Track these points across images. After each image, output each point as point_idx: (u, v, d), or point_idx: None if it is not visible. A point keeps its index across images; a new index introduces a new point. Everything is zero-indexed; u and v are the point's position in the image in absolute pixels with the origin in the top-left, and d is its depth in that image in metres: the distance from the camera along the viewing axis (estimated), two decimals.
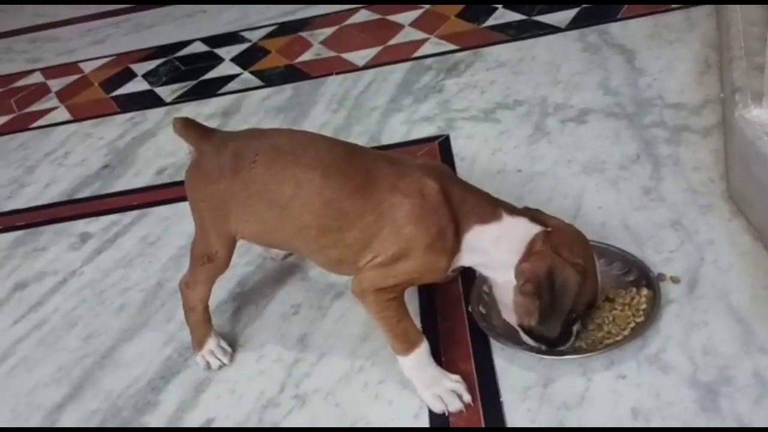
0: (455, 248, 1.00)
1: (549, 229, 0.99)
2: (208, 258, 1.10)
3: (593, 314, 1.07)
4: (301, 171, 1.02)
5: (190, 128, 1.11)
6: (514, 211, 1.01)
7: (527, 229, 0.99)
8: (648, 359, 1.02)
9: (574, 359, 1.03)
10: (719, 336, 1.02)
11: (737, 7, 1.47)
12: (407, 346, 1.01)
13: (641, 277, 1.11)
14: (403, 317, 1.02)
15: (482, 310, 1.11)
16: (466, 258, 1.02)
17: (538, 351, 1.03)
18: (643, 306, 1.07)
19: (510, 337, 1.06)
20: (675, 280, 1.12)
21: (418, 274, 1.01)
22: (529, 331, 1.02)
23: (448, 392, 1.01)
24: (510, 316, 1.04)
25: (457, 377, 1.03)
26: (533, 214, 1.02)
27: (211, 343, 1.15)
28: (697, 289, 1.10)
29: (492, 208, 1.01)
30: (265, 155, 1.04)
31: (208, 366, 1.14)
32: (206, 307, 1.15)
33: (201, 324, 1.15)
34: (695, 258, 1.15)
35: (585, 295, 0.98)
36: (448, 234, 0.98)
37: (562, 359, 1.03)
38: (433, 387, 1.02)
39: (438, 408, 1.01)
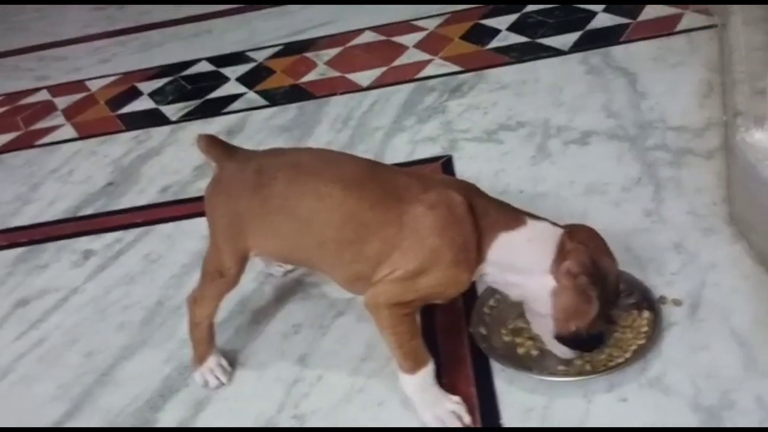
0: (478, 260, 0.99)
1: (568, 229, 1.00)
2: (220, 274, 1.10)
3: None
4: (323, 185, 1.02)
5: (214, 145, 1.12)
6: (534, 216, 1.02)
7: (553, 231, 1.00)
8: (649, 382, 1.01)
9: (576, 381, 1.02)
10: (721, 360, 1.02)
11: (740, 31, 1.48)
12: (415, 365, 1.01)
13: (643, 299, 1.10)
14: (415, 335, 1.01)
15: (483, 331, 1.11)
16: (490, 270, 1.01)
17: (539, 373, 1.03)
18: (645, 328, 1.07)
19: (511, 358, 1.06)
20: (677, 303, 1.12)
21: (442, 288, 1.00)
22: (568, 339, 1.01)
23: (448, 414, 1.01)
24: (546, 327, 1.02)
25: (457, 398, 1.02)
26: (546, 220, 1.03)
27: (212, 361, 1.15)
28: (699, 312, 1.10)
29: (515, 215, 1.01)
30: (286, 171, 1.05)
31: (207, 384, 1.14)
32: (211, 324, 1.15)
33: (204, 341, 1.15)
34: (697, 281, 1.15)
35: (619, 283, 1.01)
36: (472, 245, 0.98)
37: (564, 381, 1.03)
38: (434, 408, 1.01)
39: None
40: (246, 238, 1.07)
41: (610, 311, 1.01)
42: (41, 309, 1.40)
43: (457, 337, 1.14)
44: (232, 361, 1.18)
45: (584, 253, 0.96)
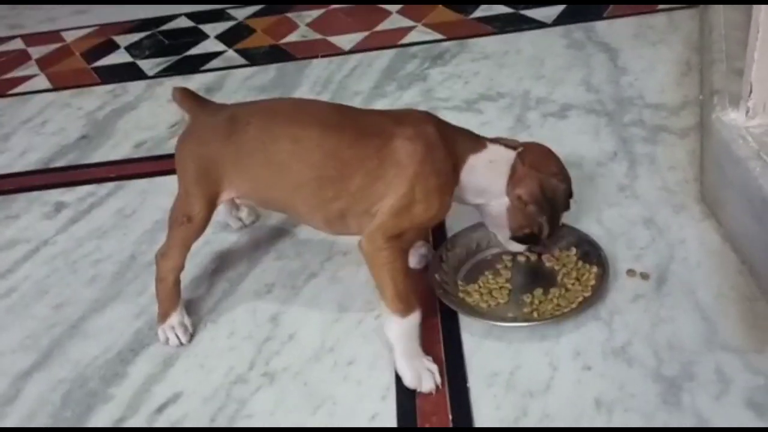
0: (455, 183, 1.07)
1: (521, 149, 1.10)
2: (188, 218, 1.11)
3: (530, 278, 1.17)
4: (299, 128, 1.06)
5: (188, 98, 1.16)
6: (490, 140, 1.12)
7: (507, 154, 1.10)
8: (614, 351, 1.03)
9: (524, 326, 1.08)
10: (684, 332, 1.04)
11: (720, 9, 1.49)
12: (406, 307, 1.02)
13: (593, 255, 1.16)
14: (408, 275, 1.04)
15: (438, 278, 1.16)
16: (465, 190, 1.09)
17: (490, 319, 1.10)
18: (592, 282, 1.12)
19: (464, 306, 1.12)
20: (644, 276, 1.14)
21: (432, 212, 1.04)
22: (520, 239, 1.13)
23: (425, 370, 1.02)
24: (503, 231, 1.13)
25: (431, 358, 1.04)
26: (503, 141, 1.12)
27: (174, 319, 1.15)
28: (665, 286, 1.12)
29: (477, 139, 1.11)
30: (259, 116, 1.09)
31: (167, 341, 1.14)
32: (177, 280, 1.15)
33: (169, 297, 1.15)
34: (665, 255, 1.17)
35: (567, 195, 1.12)
36: (450, 172, 1.05)
37: (515, 326, 1.08)
38: (413, 360, 1.03)
39: (413, 383, 1.01)
40: (219, 183, 1.09)
41: (559, 217, 1.13)
42: (11, 259, 1.38)
43: (427, 301, 1.14)
44: (204, 317, 1.19)
45: (533, 180, 1.07)
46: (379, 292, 1.04)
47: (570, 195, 1.13)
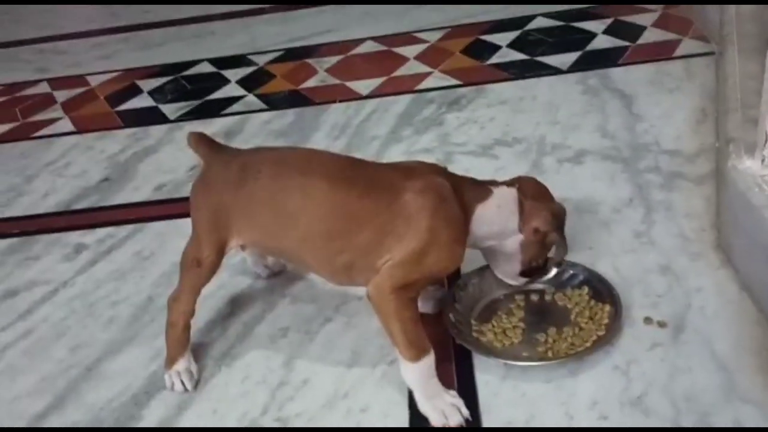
0: (467, 232, 1.08)
1: (515, 186, 1.13)
2: (197, 263, 1.12)
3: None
4: (308, 180, 1.06)
5: (202, 143, 1.18)
6: (492, 183, 1.14)
7: (510, 193, 1.12)
8: (631, 401, 1.02)
9: (539, 366, 1.08)
10: (702, 383, 1.03)
11: (735, 59, 1.49)
12: (418, 352, 1.02)
13: (606, 295, 1.16)
14: (418, 321, 1.04)
15: (452, 318, 1.16)
16: (476, 237, 1.10)
17: (505, 359, 1.10)
18: (605, 321, 1.12)
19: (479, 345, 1.13)
20: (662, 325, 1.13)
21: (443, 264, 1.05)
22: (529, 272, 1.16)
23: (449, 406, 1.02)
24: (511, 268, 1.16)
25: (454, 392, 1.05)
26: (499, 183, 1.15)
27: (181, 365, 1.15)
28: (682, 335, 1.11)
29: (483, 186, 1.12)
30: (270, 167, 1.10)
31: (173, 387, 1.14)
32: (186, 325, 1.16)
33: (177, 342, 1.15)
34: (682, 304, 1.16)
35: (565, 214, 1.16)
36: (462, 222, 1.06)
37: (531, 365, 1.08)
38: (435, 399, 1.03)
39: (439, 421, 1.01)
40: (229, 230, 1.10)
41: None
42: (30, 301, 1.40)
43: (443, 349, 1.14)
44: (218, 361, 1.19)
45: (545, 210, 1.11)
46: (390, 339, 1.04)
47: (564, 221, 1.17)
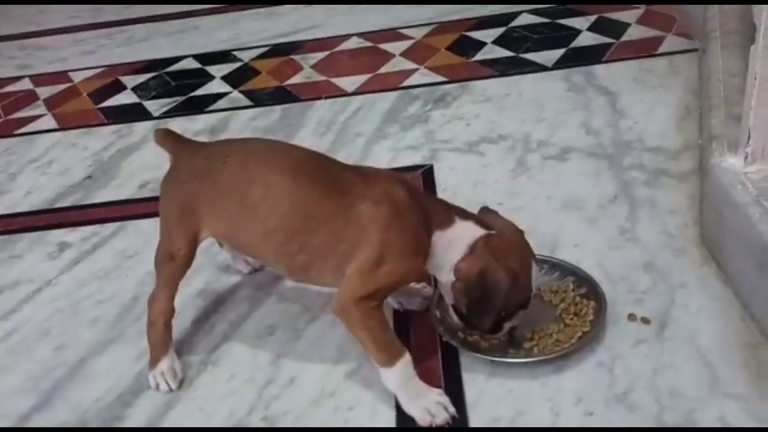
0: (427, 250, 1.04)
1: (493, 232, 1.05)
2: (170, 256, 1.12)
3: (528, 313, 1.11)
4: (271, 173, 1.05)
5: (168, 138, 1.18)
6: (464, 215, 1.07)
7: (471, 232, 1.05)
8: (616, 397, 1.03)
9: (525, 362, 1.08)
10: (686, 378, 1.04)
11: (719, 56, 1.51)
12: (391, 356, 1.02)
13: (590, 291, 1.17)
14: (386, 327, 1.04)
15: (438, 314, 1.16)
16: (429, 261, 1.06)
17: (491, 356, 1.09)
18: (590, 317, 1.13)
19: (464, 342, 1.12)
20: (645, 321, 1.14)
21: (398, 277, 1.04)
22: (459, 312, 1.08)
23: (434, 404, 1.02)
24: (447, 302, 1.10)
25: (439, 390, 1.04)
26: (482, 218, 1.08)
27: (164, 365, 1.14)
28: (666, 331, 1.12)
29: (447, 214, 1.07)
30: (235, 156, 1.09)
31: (157, 387, 1.14)
32: (167, 324, 1.15)
33: (159, 342, 1.15)
34: (666, 300, 1.17)
35: (515, 297, 1.04)
36: (421, 236, 1.03)
37: (517, 362, 1.09)
38: (419, 399, 1.03)
39: (425, 421, 1.01)
40: (198, 221, 1.10)
41: (502, 317, 1.06)
42: (13, 300, 1.38)
43: (428, 346, 1.14)
44: (205, 360, 1.19)
45: (479, 261, 1.02)
46: (362, 348, 1.04)
47: (522, 304, 1.06)
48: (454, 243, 1.05)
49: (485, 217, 1.10)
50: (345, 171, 1.09)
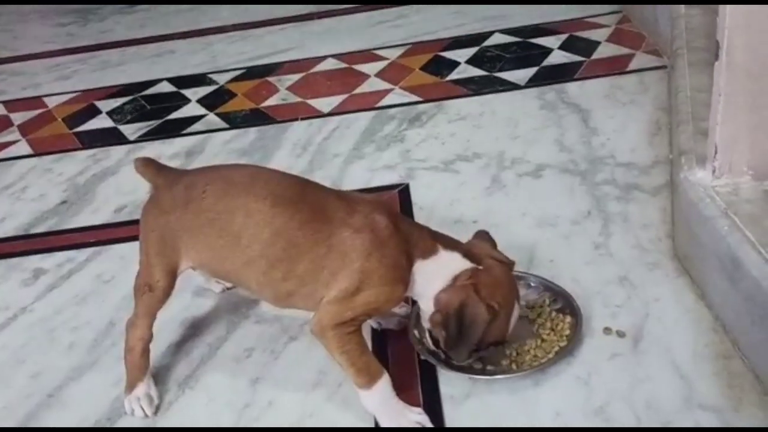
0: (408, 278, 1.04)
1: (479, 267, 1.05)
2: (149, 287, 1.11)
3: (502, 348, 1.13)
4: (252, 201, 1.05)
5: (148, 167, 1.16)
6: (450, 245, 1.07)
7: (456, 264, 1.05)
8: (593, 411, 1.04)
9: (503, 379, 1.09)
10: (662, 391, 1.05)
11: (686, 73, 1.54)
12: (369, 379, 1.03)
13: (566, 306, 1.18)
14: (364, 351, 1.04)
15: (417, 334, 1.17)
16: (410, 289, 1.06)
17: (469, 373, 1.10)
18: (567, 332, 1.15)
19: (443, 360, 1.12)
20: (621, 335, 1.15)
21: (378, 304, 1.04)
22: (434, 339, 1.09)
23: (413, 423, 1.03)
24: (425, 327, 1.11)
25: (419, 409, 1.05)
26: (471, 249, 1.08)
27: (140, 390, 1.13)
28: (641, 344, 1.13)
29: (431, 243, 1.07)
30: (215, 185, 1.09)
31: (132, 413, 1.13)
32: (145, 350, 1.14)
33: (136, 367, 1.14)
34: (641, 313, 1.19)
35: (492, 334, 1.05)
36: (402, 264, 1.03)
37: (496, 379, 1.09)
38: (399, 420, 1.03)
39: None
40: (177, 252, 1.10)
41: (476, 351, 1.06)
42: None
43: (407, 364, 1.15)
44: (183, 384, 1.18)
45: (459, 295, 1.02)
46: (341, 369, 1.05)
47: (498, 341, 1.07)
48: (436, 273, 1.05)
49: (477, 246, 1.10)
50: (328, 197, 1.08)
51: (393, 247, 1.03)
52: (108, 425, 1.13)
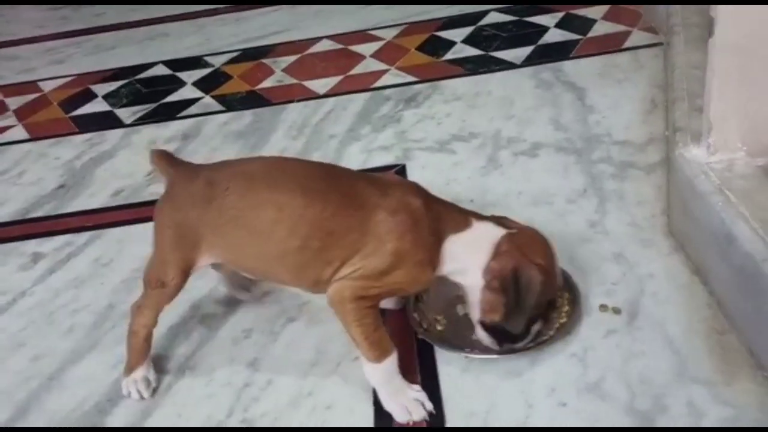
0: (437, 259, 1.05)
1: (514, 231, 1.06)
2: (162, 284, 1.10)
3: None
4: (279, 194, 1.05)
5: (163, 160, 1.14)
6: (481, 217, 1.09)
7: (494, 232, 1.06)
8: (588, 387, 1.05)
9: (505, 358, 1.09)
10: (656, 366, 1.06)
11: (682, 50, 1.54)
12: (380, 354, 1.03)
13: (564, 284, 1.18)
14: (379, 325, 1.05)
15: (417, 316, 1.17)
16: (444, 267, 1.06)
17: (463, 351, 1.10)
18: (566, 308, 1.16)
19: (443, 340, 1.14)
20: (616, 311, 1.16)
21: (406, 285, 1.05)
22: (488, 328, 1.07)
23: (412, 402, 1.04)
24: (473, 314, 1.09)
25: (417, 387, 1.06)
26: (498, 219, 1.09)
27: (139, 373, 1.14)
28: (636, 320, 1.14)
29: (463, 216, 1.08)
30: (237, 182, 1.07)
31: (129, 395, 1.14)
32: (148, 336, 1.15)
33: (137, 351, 1.15)
34: (636, 290, 1.19)
35: (546, 294, 1.06)
36: (432, 247, 1.04)
37: (489, 358, 1.10)
38: (399, 397, 1.04)
39: (403, 418, 1.03)
40: (197, 249, 1.08)
41: (528, 318, 1.06)
42: None
43: (405, 342, 1.16)
44: (182, 366, 1.19)
45: (510, 259, 1.03)
46: (353, 342, 1.05)
47: (551, 300, 1.09)
48: (474, 244, 1.05)
49: (499, 219, 1.11)
50: (358, 182, 1.08)
51: (425, 227, 1.03)
52: (109, 406, 1.14)
